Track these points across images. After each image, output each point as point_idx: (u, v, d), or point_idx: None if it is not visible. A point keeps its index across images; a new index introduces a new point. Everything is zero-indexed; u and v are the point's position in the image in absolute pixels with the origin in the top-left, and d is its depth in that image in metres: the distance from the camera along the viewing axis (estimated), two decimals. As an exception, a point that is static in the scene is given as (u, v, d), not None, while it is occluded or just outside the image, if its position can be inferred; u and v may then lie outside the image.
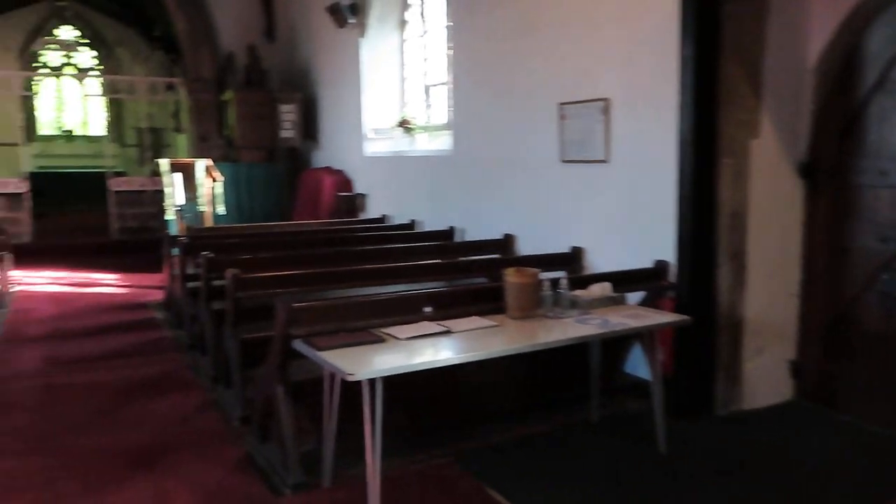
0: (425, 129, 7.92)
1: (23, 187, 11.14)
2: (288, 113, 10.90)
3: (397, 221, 8.04)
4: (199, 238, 6.36)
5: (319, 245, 6.34)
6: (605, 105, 4.96)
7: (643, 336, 3.65)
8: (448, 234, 6.73)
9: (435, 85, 7.82)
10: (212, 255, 4.94)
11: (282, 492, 3.21)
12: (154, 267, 9.71)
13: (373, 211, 8.99)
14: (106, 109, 19.33)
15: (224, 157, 11.49)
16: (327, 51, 10.37)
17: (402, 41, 8.60)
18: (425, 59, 8.04)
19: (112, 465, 3.51)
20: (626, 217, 4.87)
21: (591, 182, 5.19)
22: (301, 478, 3.24)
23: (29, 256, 9.89)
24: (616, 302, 3.85)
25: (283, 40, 12.01)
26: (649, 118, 4.60)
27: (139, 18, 17.58)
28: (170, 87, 12.97)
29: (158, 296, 7.89)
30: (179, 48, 12.35)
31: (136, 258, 10.46)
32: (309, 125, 11.03)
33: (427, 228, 7.39)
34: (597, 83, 5.06)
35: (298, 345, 3.08)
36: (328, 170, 10.10)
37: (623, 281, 4.15)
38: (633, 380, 4.59)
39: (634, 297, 4.33)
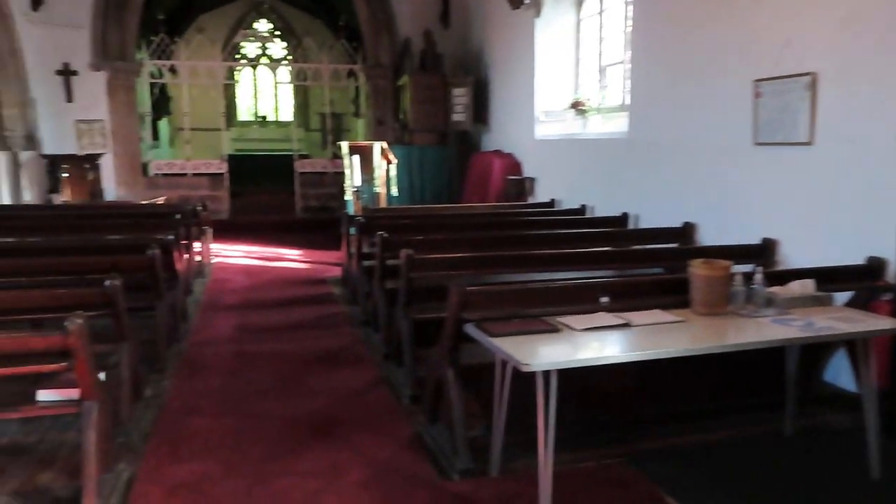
0: (599, 110, 7.60)
1: (223, 168, 12.25)
2: (460, 97, 11.00)
3: (566, 206, 7.83)
4: (375, 218, 6.57)
5: (489, 228, 6.31)
6: (810, 80, 4.42)
7: (854, 343, 3.20)
8: (621, 220, 6.42)
9: (611, 65, 7.47)
10: (386, 235, 5.06)
11: (450, 476, 3.20)
12: (333, 244, 10.29)
13: (541, 195, 8.82)
14: (294, 96, 20.79)
15: (398, 140, 11.88)
16: (500, 33, 10.31)
17: (578, 20, 8.30)
18: (601, 39, 7.70)
19: (292, 433, 3.70)
20: (832, 206, 4.32)
21: (789, 167, 4.67)
22: (469, 464, 3.21)
23: (226, 231, 10.86)
24: (820, 302, 3.42)
25: (456, 25, 12.13)
26: (868, 94, 4.03)
27: (326, 9, 18.63)
28: (350, 74, 13.58)
29: (336, 272, 8.31)
30: (361, 36, 12.88)
31: (317, 235, 11.14)
32: (479, 109, 11.06)
33: (598, 214, 7.11)
34: (802, 56, 4.52)
35: (471, 329, 3.03)
36: (497, 153, 10.07)
37: (827, 278, 3.68)
38: (834, 390, 4.09)
39: (840, 297, 3.84)
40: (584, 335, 2.91)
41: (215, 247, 9.70)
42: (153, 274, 4.60)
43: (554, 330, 2.95)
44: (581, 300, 3.30)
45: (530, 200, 9.10)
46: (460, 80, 11.04)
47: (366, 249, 6.19)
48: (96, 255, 4.83)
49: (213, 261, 9.02)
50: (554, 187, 8.44)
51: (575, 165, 7.85)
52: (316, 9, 19.46)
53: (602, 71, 7.66)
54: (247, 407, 4.08)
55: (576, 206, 7.48)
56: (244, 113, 21.45)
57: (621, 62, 6.84)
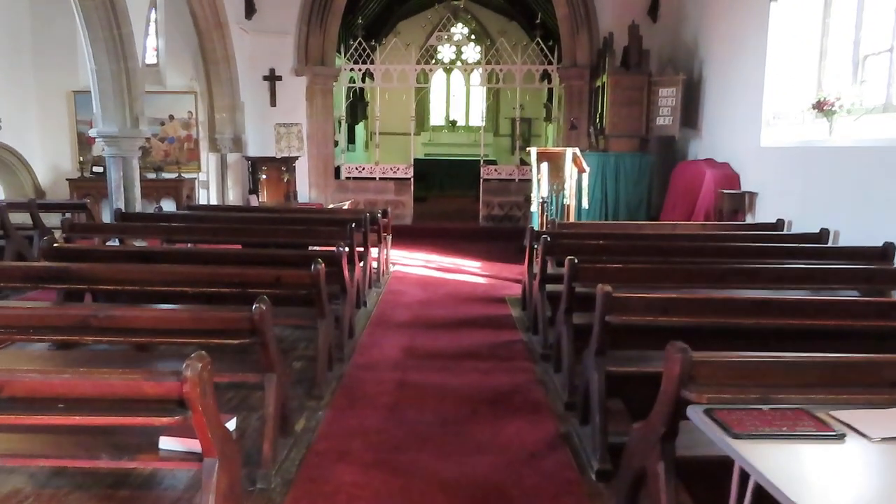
0: (852, 111, 6.14)
1: (409, 173, 12.09)
2: (666, 97, 9.81)
3: (798, 229, 6.45)
4: (563, 235, 5.76)
5: (704, 255, 5.23)
6: None
7: None
8: (884, 253, 5.01)
9: (873, 54, 5.99)
10: (576, 260, 4.24)
11: None
12: (514, 257, 9.63)
13: (764, 213, 7.46)
14: (485, 100, 20.50)
15: (592, 147, 10.94)
16: (722, 23, 8.99)
17: (827, 2, 6.84)
18: (860, 23, 6.22)
19: None
20: None
21: None
22: None
23: (407, 237, 10.62)
24: None
25: (666, 18, 10.94)
26: None
27: (522, 10, 18.10)
28: (544, 76, 12.89)
29: (516, 290, 7.62)
30: (557, 36, 12.12)
31: (498, 246, 10.55)
32: (688, 111, 9.80)
33: (845, 242, 5.71)
34: None
35: (697, 415, 2.14)
36: (709, 162, 8.77)
37: None
38: None
39: None
40: (887, 450, 1.90)
41: (395, 254, 9.45)
42: (317, 291, 4.18)
43: (833, 435, 1.97)
44: (865, 383, 2.26)
45: (748, 219, 7.76)
46: (668, 79, 9.85)
47: (551, 270, 5.42)
48: (261, 266, 4.54)
49: (391, 269, 8.73)
50: (782, 205, 7.06)
51: (813, 179, 6.45)
52: (512, 10, 19.02)
53: (860, 62, 6.18)
54: (401, 459, 3.48)
55: (812, 229, 6.10)
56: (435, 117, 21.59)
57: (889, 50, 5.41)
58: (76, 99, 10.43)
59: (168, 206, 10.15)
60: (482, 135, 13.41)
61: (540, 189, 7.85)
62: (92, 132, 7.32)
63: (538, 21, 13.01)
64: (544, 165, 7.91)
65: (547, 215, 7.94)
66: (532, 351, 5.42)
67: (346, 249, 5.13)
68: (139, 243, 6.65)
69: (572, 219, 8.14)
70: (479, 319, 6.43)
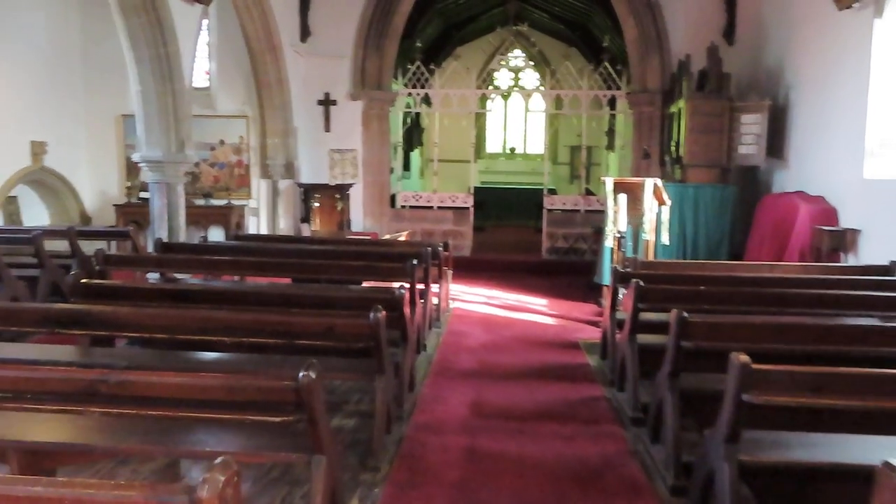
0: None
1: (469, 202, 11.47)
2: (750, 125, 9.00)
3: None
4: (654, 278, 5.00)
5: (824, 306, 4.42)
6: None
7: None
8: None
9: None
10: (686, 316, 3.50)
11: None
12: (582, 295, 8.88)
13: (869, 254, 6.58)
14: (545, 128, 19.92)
15: (666, 177, 10.14)
16: (813, 44, 8.17)
17: (955, 15, 6.00)
18: None
19: None
20: None
21: None
22: None
23: (466, 270, 9.96)
24: None
25: (744, 40, 10.16)
26: None
27: (582, 35, 17.48)
28: (607, 103, 12.23)
29: (589, 333, 6.87)
30: (620, 61, 11.48)
31: (565, 282, 9.80)
32: (774, 139, 8.94)
33: None
34: None
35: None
36: (801, 195, 7.90)
37: None
38: None
39: None
40: None
41: (454, 288, 8.79)
42: (376, 343, 3.54)
43: None
44: None
45: (850, 260, 6.87)
46: (752, 105, 9.04)
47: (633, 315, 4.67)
48: (311, 308, 3.94)
49: (451, 306, 8.07)
50: (891, 244, 6.17)
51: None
52: (572, 36, 18.42)
53: None
54: (478, 565, 2.78)
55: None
56: (491, 145, 21.03)
57: None
58: (125, 123, 10.19)
59: (216, 233, 9.76)
60: (545, 162, 12.71)
61: (616, 222, 7.10)
62: (135, 156, 6.93)
63: (605, 45, 12.37)
64: (622, 197, 7.17)
65: (623, 252, 7.19)
66: (619, 412, 4.66)
67: (407, 290, 4.49)
68: (181, 275, 6.17)
69: (651, 256, 7.36)
70: (552, 369, 5.69)
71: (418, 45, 11.82)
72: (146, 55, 6.44)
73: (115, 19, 6.32)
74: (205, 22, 7.62)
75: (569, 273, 10.49)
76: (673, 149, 9.92)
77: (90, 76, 10.01)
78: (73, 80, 9.82)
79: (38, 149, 9.00)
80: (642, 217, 7.35)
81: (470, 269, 10.12)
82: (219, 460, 1.62)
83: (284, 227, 10.40)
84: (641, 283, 4.58)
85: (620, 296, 5.50)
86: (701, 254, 8.93)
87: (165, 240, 6.40)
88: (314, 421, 2.48)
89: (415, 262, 5.35)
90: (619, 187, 7.40)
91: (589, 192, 12.82)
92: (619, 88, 11.35)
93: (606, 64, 11.48)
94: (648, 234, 7.31)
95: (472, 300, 8.59)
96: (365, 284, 6.04)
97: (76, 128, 9.90)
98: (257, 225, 10.28)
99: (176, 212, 6.83)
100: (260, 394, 2.43)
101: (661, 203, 7.44)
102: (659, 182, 7.41)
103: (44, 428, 2.70)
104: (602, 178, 8.38)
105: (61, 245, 7.12)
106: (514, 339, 6.70)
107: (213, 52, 10.17)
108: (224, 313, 3.60)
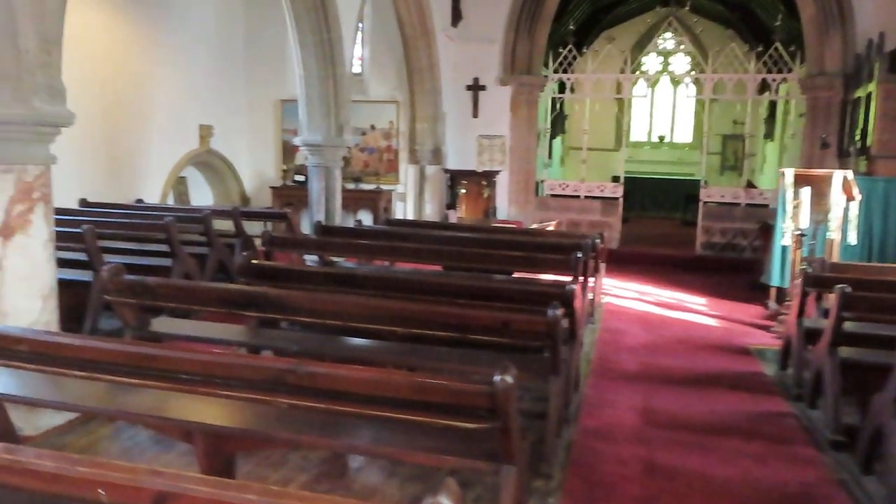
0: None
1: (618, 192, 10.94)
2: (959, 110, 7.85)
3: None
4: (847, 283, 4.37)
5: None
6: None
7: None
8: None
9: None
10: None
11: None
12: (744, 295, 8.17)
13: None
14: (695, 115, 18.84)
15: (845, 167, 9.11)
16: None
17: None
18: None
19: None
20: None
21: None
22: None
23: (614, 264, 9.48)
24: None
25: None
26: None
27: (743, 16, 16.22)
28: (764, 89, 11.19)
29: (758, 338, 6.26)
30: (790, 42, 10.42)
31: (723, 280, 9.09)
32: None
33: None
34: None
35: None
36: None
37: None
38: None
39: None
40: None
41: (605, 282, 8.36)
42: (554, 342, 3.28)
43: None
44: None
45: None
46: (963, 88, 7.88)
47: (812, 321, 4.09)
48: (482, 302, 3.74)
49: (603, 301, 7.66)
50: None
51: None
52: (731, 17, 17.14)
53: None
54: None
55: None
56: (635, 133, 20.10)
57: None
58: (282, 108, 10.54)
59: (364, 218, 9.89)
60: (703, 152, 11.81)
61: (800, 220, 6.39)
62: (297, 140, 7.07)
63: (776, 24, 11.29)
64: (805, 191, 6.44)
65: (801, 252, 6.47)
66: (813, 432, 4.12)
67: (578, 285, 4.19)
68: (336, 258, 6.21)
69: (836, 257, 6.58)
70: (724, 376, 5.19)
71: (571, 28, 11.32)
72: (310, 40, 6.53)
73: (283, 4, 6.43)
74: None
75: (727, 271, 9.74)
76: (857, 138, 8.88)
77: (251, 65, 10.43)
78: (235, 68, 10.28)
79: (205, 132, 9.49)
80: (827, 213, 6.57)
81: (618, 263, 9.62)
82: (444, 482, 1.43)
83: (430, 212, 10.38)
84: (848, 290, 4.00)
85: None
86: (889, 256, 7.93)
87: (322, 222, 6.47)
88: (507, 430, 2.26)
89: (579, 254, 5.03)
90: (800, 180, 6.66)
91: (751, 185, 11.83)
92: (790, 71, 10.34)
93: (778, 45, 10.47)
94: (834, 233, 6.53)
95: (623, 295, 8.13)
96: (513, 276, 5.80)
97: (238, 113, 10.36)
98: (404, 210, 10.32)
99: (333, 195, 6.91)
100: (451, 396, 2.23)
101: (850, 198, 6.62)
102: (850, 175, 6.59)
103: (228, 412, 2.67)
104: (780, 169, 7.58)
105: (224, 224, 7.41)
106: (676, 340, 6.21)
107: (366, 39, 10.28)
108: (397, 303, 3.47)
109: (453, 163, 10.72)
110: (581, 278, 5.42)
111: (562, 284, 4.22)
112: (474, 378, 2.25)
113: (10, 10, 3.25)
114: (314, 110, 6.70)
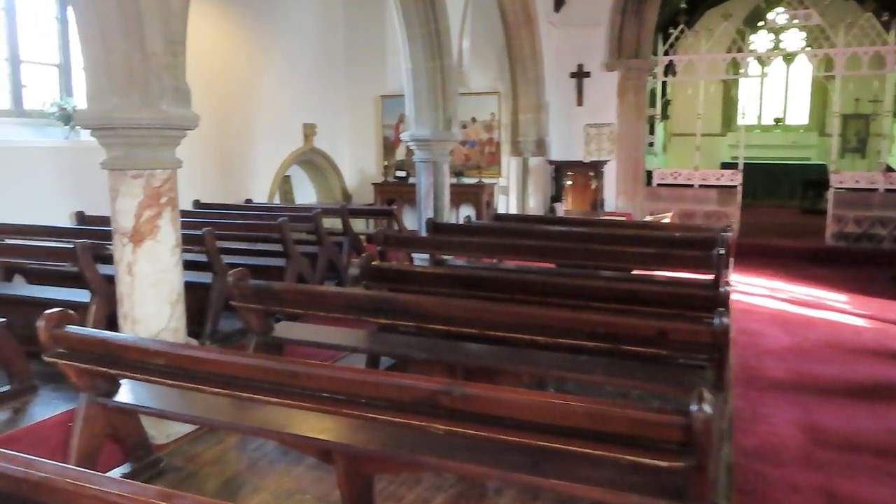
0: None
1: (736, 180, 10.22)
2: None
3: None
4: None
5: None
6: None
7: None
8: None
9: None
10: None
11: None
12: (889, 291, 7.39)
13: None
14: (812, 95, 17.57)
15: None
16: None
17: None
18: None
19: None
20: None
21: None
22: None
23: (735, 257, 8.82)
24: None
25: None
26: None
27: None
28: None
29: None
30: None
31: (858, 274, 8.29)
32: None
33: None
34: None
35: None
36: None
37: None
38: None
39: None
40: None
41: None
42: (720, 355, 2.90)
43: None
44: None
45: None
46: None
47: None
48: (622, 306, 3.39)
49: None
50: None
51: None
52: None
53: None
54: None
55: None
56: (746, 116, 18.90)
57: None
58: (382, 104, 10.45)
59: (466, 212, 9.65)
60: (835, 133, 10.79)
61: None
62: (404, 135, 6.89)
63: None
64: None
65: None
66: None
67: (730, 288, 3.76)
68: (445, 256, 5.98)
69: None
70: (891, 387, 4.60)
71: (683, 6, 10.63)
72: (418, 32, 6.32)
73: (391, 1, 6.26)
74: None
75: (864, 264, 8.89)
76: None
77: (351, 63, 10.39)
78: (336, 66, 10.26)
79: (308, 131, 9.51)
80: None
81: (740, 256, 8.95)
82: None
83: (534, 206, 10.03)
84: None
85: None
86: None
87: (433, 219, 6.25)
88: (702, 468, 1.93)
89: (721, 250, 4.57)
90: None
91: (891, 169, 10.79)
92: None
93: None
94: None
95: (751, 292, 7.52)
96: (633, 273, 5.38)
97: (339, 111, 10.34)
98: (506, 204, 10.02)
99: (441, 191, 6.70)
100: (637, 428, 1.92)
101: None
102: None
103: (370, 432, 2.46)
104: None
105: (327, 222, 7.33)
106: (824, 343, 5.61)
107: (466, 29, 10.00)
108: (537, 309, 3.18)
109: (557, 154, 10.31)
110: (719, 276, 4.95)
111: (704, 284, 3.81)
112: (663, 407, 1.93)
113: (137, 12, 3.16)
114: (422, 104, 6.50)
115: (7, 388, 3.94)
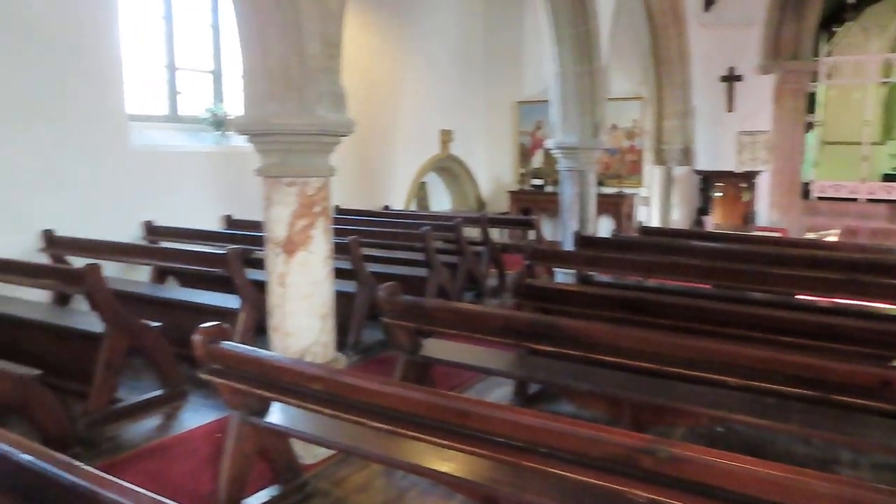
0: None
1: (913, 194, 9.11)
2: None
3: None
4: None
5: None
6: None
7: None
8: None
9: None
10: None
11: None
12: None
13: None
14: None
15: None
16: None
17: None
18: None
19: None
20: None
21: None
22: None
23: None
24: None
25: None
26: None
27: None
28: None
29: None
30: None
31: None
32: None
33: None
34: None
35: None
36: None
37: None
38: None
39: None
40: None
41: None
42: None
43: None
44: None
45: None
46: None
47: None
48: (822, 343, 2.91)
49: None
50: None
51: None
52: None
53: None
54: None
55: None
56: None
57: None
58: (520, 110, 10.19)
59: (604, 224, 9.18)
60: None
61: None
62: (548, 143, 6.57)
63: None
64: None
65: None
66: None
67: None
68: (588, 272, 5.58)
69: None
70: None
71: (850, 1, 9.63)
72: (567, 34, 5.98)
73: (539, 2, 5.96)
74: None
75: None
76: None
77: (489, 67, 10.21)
78: (474, 71, 10.11)
79: (445, 137, 9.41)
80: None
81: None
82: None
83: (678, 218, 9.39)
84: None
85: None
86: None
87: (577, 232, 5.89)
88: None
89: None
90: None
91: None
92: None
93: None
94: None
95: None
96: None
97: (476, 117, 10.18)
98: (648, 216, 9.44)
99: (587, 202, 6.31)
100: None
101: None
102: None
103: (544, 482, 2.16)
104: None
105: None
106: None
107: (608, 32, 9.55)
108: (726, 345, 2.76)
109: (704, 163, 9.61)
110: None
111: None
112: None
113: (295, 14, 3.06)
114: (569, 110, 6.15)
115: (159, 392, 3.98)
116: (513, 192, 9.92)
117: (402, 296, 3.45)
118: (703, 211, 9.22)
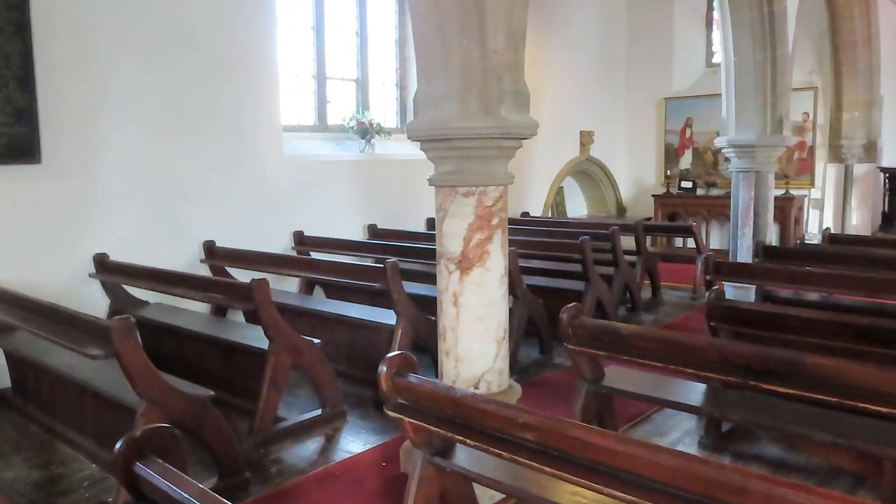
0: None
1: None
2: None
3: None
4: None
5: None
6: None
7: None
8: None
9: None
10: None
11: None
12: None
13: None
14: None
15: None
16: None
17: None
18: None
19: None
20: None
21: None
22: None
23: None
24: None
25: None
26: None
27: None
28: None
29: None
30: None
31: None
32: None
33: None
34: None
35: None
36: None
37: None
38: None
39: None
40: None
41: None
42: None
43: None
44: None
45: None
46: None
47: None
48: None
49: None
50: None
51: None
52: None
53: None
54: None
55: None
56: None
57: None
58: (666, 107, 9.47)
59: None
60: None
61: None
62: (718, 141, 5.91)
63: None
64: None
65: None
66: None
67: None
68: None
69: None
70: None
71: None
72: (747, 18, 5.32)
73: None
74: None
75: None
76: None
77: (632, 63, 9.59)
78: (616, 70, 9.53)
79: (585, 139, 8.89)
80: None
81: None
82: None
83: (857, 223, 8.33)
84: None
85: None
86: None
87: (760, 241, 5.21)
88: None
89: None
90: None
91: None
92: None
93: None
94: None
95: None
96: None
97: (616, 117, 9.59)
98: (819, 220, 8.44)
99: (765, 207, 5.61)
100: None
101: None
102: None
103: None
104: None
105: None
106: None
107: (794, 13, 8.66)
108: None
109: (891, 159, 8.47)
110: None
111: None
112: None
113: (480, 4, 2.71)
114: (746, 103, 5.48)
115: (319, 412, 3.79)
116: (657, 197, 9.21)
117: (586, 318, 3.04)
118: (890, 214, 8.11)
